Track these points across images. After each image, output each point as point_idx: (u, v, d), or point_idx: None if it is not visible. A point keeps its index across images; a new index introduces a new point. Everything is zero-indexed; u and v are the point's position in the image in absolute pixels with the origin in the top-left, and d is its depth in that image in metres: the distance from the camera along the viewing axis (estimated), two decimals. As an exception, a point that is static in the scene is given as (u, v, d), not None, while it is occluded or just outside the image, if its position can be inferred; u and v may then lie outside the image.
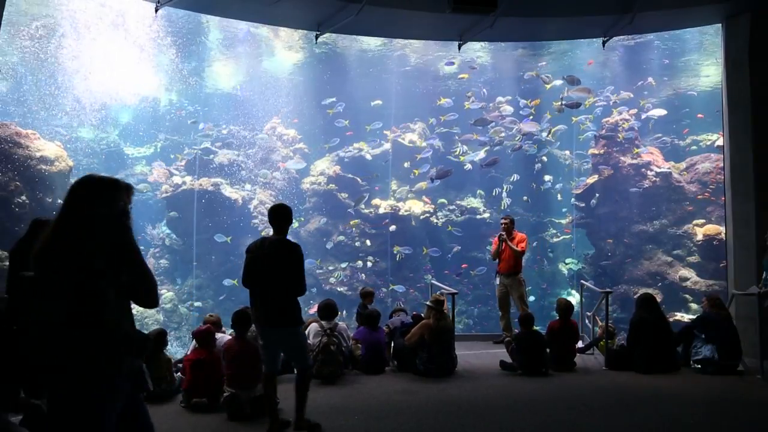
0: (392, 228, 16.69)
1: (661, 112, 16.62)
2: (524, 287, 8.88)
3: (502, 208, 16.43)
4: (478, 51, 17.52)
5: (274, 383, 4.85)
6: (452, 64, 17.01)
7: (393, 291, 15.94)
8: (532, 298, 17.08)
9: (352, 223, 16.77)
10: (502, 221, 9.01)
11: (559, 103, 15.27)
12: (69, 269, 2.45)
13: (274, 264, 4.63)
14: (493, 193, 17.15)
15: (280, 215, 4.81)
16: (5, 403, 3.55)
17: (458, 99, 16.77)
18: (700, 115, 17.66)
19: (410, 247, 16.29)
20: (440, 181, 16.29)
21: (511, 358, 7.32)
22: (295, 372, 4.92)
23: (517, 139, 16.75)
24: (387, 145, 17.92)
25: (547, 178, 17.57)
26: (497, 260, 8.95)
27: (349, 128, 17.10)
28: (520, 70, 17.72)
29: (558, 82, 15.99)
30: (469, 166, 16.79)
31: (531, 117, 16.03)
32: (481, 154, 16.51)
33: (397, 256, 16.25)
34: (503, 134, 16.32)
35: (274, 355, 4.85)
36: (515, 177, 16.91)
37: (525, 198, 16.68)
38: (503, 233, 8.79)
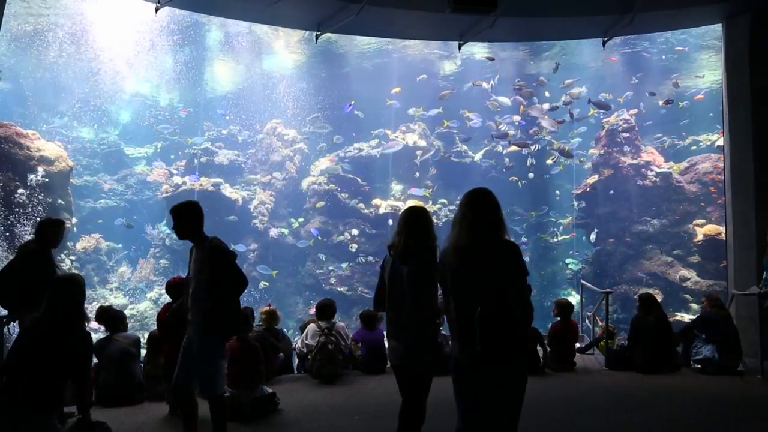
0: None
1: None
2: None
3: (529, 174, 16.71)
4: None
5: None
6: (350, 106, 16.71)
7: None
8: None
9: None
10: None
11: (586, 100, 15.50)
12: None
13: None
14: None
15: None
16: (53, 406, 3.56)
17: (458, 99, 16.80)
18: (698, 97, 17.63)
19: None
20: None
21: None
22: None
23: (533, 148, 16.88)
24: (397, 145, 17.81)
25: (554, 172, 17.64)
26: None
27: (328, 133, 17.30)
28: (518, 70, 17.72)
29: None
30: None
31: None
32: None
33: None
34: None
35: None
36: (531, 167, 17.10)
37: (521, 182, 16.78)
38: None
